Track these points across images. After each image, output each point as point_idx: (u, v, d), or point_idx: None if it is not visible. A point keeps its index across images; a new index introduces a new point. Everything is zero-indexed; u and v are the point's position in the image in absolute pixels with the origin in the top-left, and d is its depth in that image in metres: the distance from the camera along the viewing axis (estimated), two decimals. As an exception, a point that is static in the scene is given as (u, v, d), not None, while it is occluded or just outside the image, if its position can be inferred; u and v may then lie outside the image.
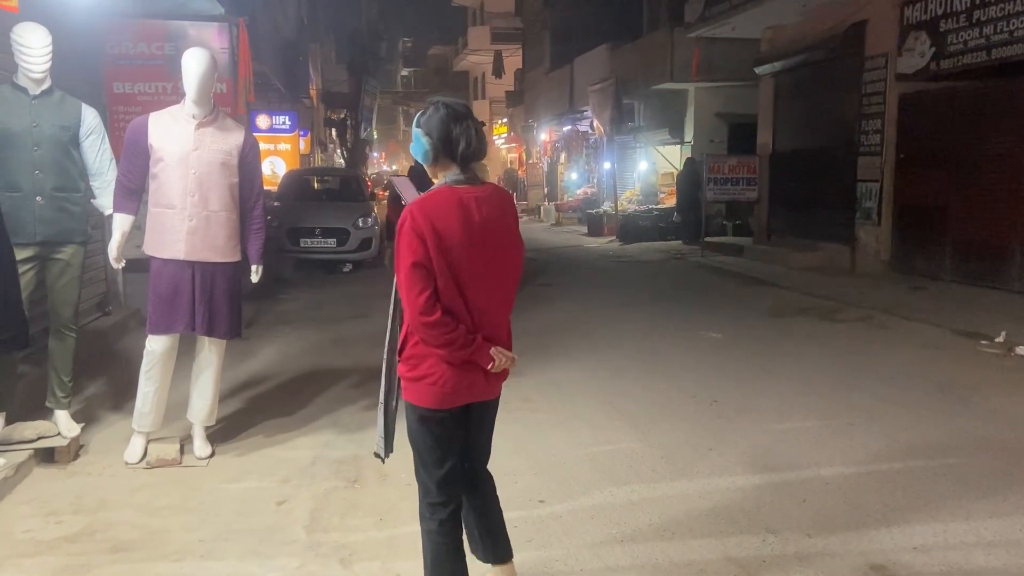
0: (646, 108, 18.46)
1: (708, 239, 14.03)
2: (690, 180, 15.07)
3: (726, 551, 3.13)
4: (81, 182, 4.16)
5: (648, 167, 19.13)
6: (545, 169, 27.11)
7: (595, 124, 19.57)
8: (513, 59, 33.56)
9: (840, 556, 3.09)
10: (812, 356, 6.37)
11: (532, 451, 4.26)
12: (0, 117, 3.85)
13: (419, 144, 2.42)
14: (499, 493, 2.70)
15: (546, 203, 24.79)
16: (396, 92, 50.72)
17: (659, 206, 17.53)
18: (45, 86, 3.99)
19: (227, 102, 7.34)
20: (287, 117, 17.23)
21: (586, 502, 3.61)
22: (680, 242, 15.39)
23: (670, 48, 15.91)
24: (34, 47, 3.88)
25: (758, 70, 13.27)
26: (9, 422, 4.02)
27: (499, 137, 36.83)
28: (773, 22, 12.73)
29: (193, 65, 3.90)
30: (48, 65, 3.95)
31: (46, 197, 3.99)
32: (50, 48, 3.95)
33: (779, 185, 13.16)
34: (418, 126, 2.42)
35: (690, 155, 16.17)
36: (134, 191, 4.02)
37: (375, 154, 41.02)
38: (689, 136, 16.95)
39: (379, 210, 13.39)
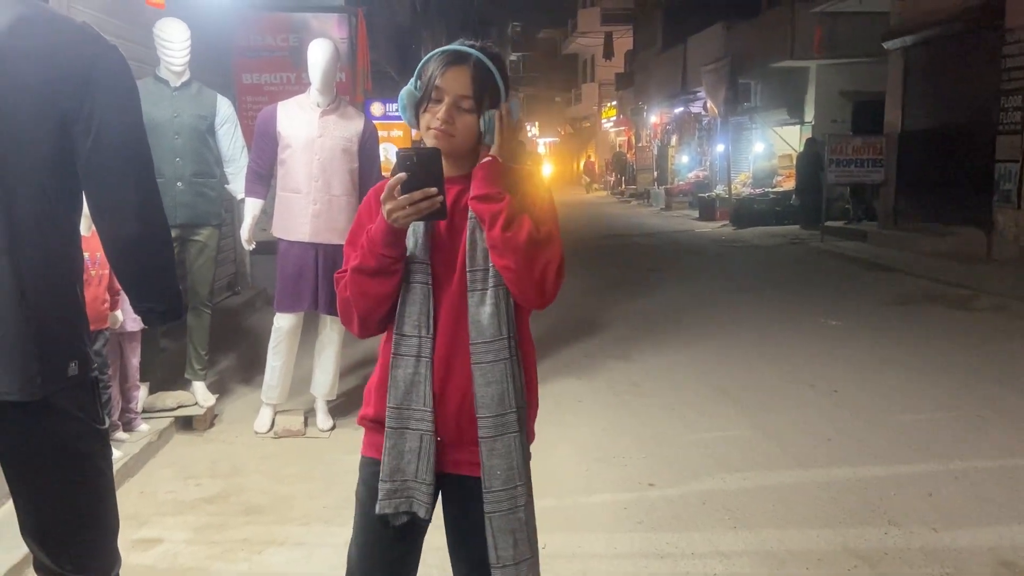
0: (763, 88, 17.84)
1: (829, 223, 13.47)
2: (810, 161, 14.50)
3: (845, 542, 3.04)
4: (217, 168, 4.43)
5: (765, 149, 18.51)
6: (655, 152, 26.67)
7: (708, 105, 19.08)
8: (623, 40, 33.09)
9: (968, 551, 2.94)
10: (941, 346, 6.04)
11: (640, 435, 4.25)
12: (144, 108, 4.11)
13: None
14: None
15: (656, 187, 24.41)
16: (505, 77, 50.84)
17: (776, 189, 16.95)
18: (185, 78, 4.25)
19: (346, 91, 7.60)
20: (400, 104, 17.61)
21: (696, 487, 3.58)
22: (798, 227, 14.84)
23: (791, 24, 15.30)
24: (175, 41, 4.14)
25: (887, 45, 12.59)
26: (152, 392, 4.35)
27: (608, 120, 36.46)
28: (903, -7, 12.04)
29: (318, 55, 4.07)
30: (187, 58, 4.21)
31: (186, 182, 4.26)
32: (189, 42, 4.20)
33: (908, 166, 12.46)
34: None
35: (811, 135, 15.55)
36: (264, 176, 4.24)
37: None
38: (809, 116, 16.28)
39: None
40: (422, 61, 1.64)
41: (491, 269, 1.62)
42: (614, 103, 34.58)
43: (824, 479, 3.65)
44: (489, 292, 1.62)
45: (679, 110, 23.41)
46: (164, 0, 4.27)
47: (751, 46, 17.09)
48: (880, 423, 4.37)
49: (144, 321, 1.80)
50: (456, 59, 1.60)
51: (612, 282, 9.40)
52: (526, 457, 1.66)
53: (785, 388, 5.07)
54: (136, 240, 1.61)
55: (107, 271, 3.55)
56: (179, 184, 4.24)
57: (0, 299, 1.47)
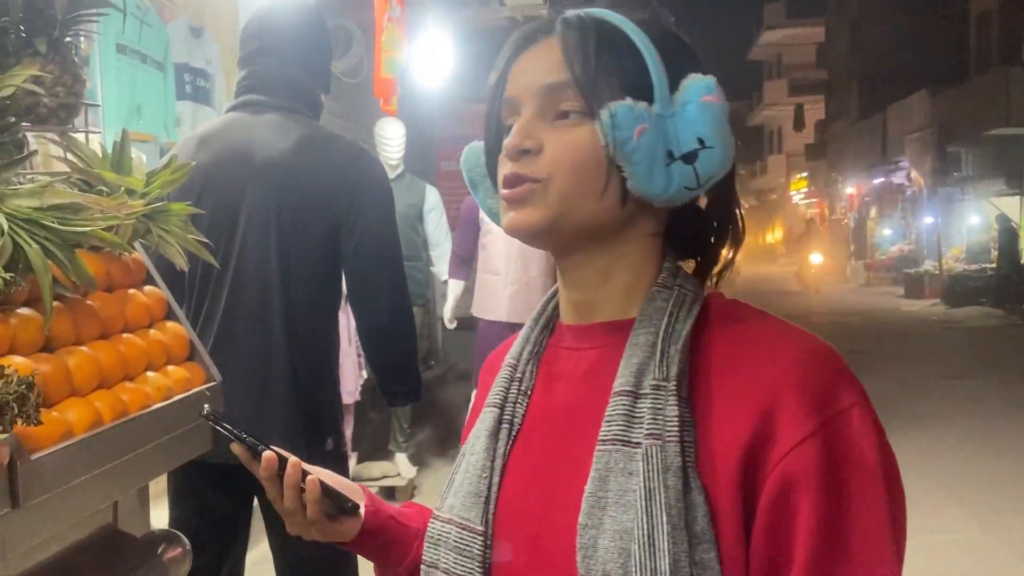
0: (976, 156, 16.59)
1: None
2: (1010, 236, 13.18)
3: None
4: (424, 252, 4.75)
5: (980, 221, 17.06)
6: (851, 225, 25.34)
7: (912, 175, 17.99)
8: (813, 111, 32.13)
9: None
10: None
11: (852, 533, 3.95)
12: (366, 200, 4.52)
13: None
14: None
15: (853, 261, 23.10)
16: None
17: (994, 264, 15.50)
18: (399, 171, 4.63)
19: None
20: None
21: (920, 597, 3.26)
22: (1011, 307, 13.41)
23: (1005, 89, 14.22)
24: (393, 138, 4.55)
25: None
26: (360, 461, 4.63)
27: (797, 192, 35.26)
28: None
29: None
30: (402, 153, 4.60)
31: (398, 266, 4.60)
32: (404, 139, 4.60)
33: None
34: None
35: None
36: (466, 259, 4.49)
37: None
38: (1032, 185, 14.90)
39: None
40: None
41: None
42: (804, 174, 33.43)
43: (1076, 600, 3.21)
44: None
45: (879, 180, 22.20)
46: (396, 108, 4.73)
47: (960, 113, 16.01)
48: None
49: (389, 402, 1.96)
50: (530, 36, 0.78)
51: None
52: None
53: (1017, 486, 4.54)
54: (389, 329, 1.78)
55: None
56: (392, 268, 4.57)
57: (276, 380, 1.67)
